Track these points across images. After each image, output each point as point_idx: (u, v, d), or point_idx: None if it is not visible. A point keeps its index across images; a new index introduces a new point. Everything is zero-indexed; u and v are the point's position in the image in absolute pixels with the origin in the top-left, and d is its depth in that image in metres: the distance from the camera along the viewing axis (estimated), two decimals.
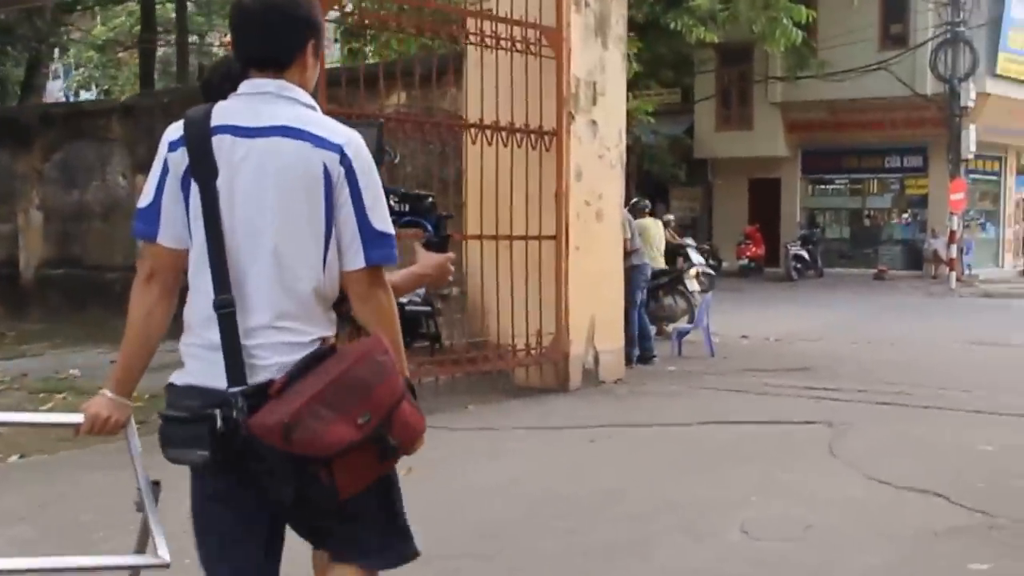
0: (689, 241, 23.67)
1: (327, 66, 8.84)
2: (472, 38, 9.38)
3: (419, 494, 2.72)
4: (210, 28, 34.45)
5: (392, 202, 3.52)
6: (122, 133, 14.84)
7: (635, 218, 12.70)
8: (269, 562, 2.57)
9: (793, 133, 28.24)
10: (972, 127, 24.07)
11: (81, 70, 38.91)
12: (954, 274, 23.50)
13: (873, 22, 26.47)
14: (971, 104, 24.13)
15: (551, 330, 9.41)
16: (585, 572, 4.68)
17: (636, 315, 11.12)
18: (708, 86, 29.07)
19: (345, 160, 2.41)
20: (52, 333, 13.42)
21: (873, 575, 4.62)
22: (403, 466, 2.62)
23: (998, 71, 25.66)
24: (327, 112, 2.64)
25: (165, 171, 2.44)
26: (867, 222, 29.28)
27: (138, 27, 28.48)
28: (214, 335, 2.39)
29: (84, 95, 37.55)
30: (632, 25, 18.36)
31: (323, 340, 2.46)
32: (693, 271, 13.94)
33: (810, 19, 19.35)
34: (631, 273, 10.95)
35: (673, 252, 23.03)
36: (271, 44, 2.46)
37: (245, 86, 2.48)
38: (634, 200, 14.00)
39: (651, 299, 12.85)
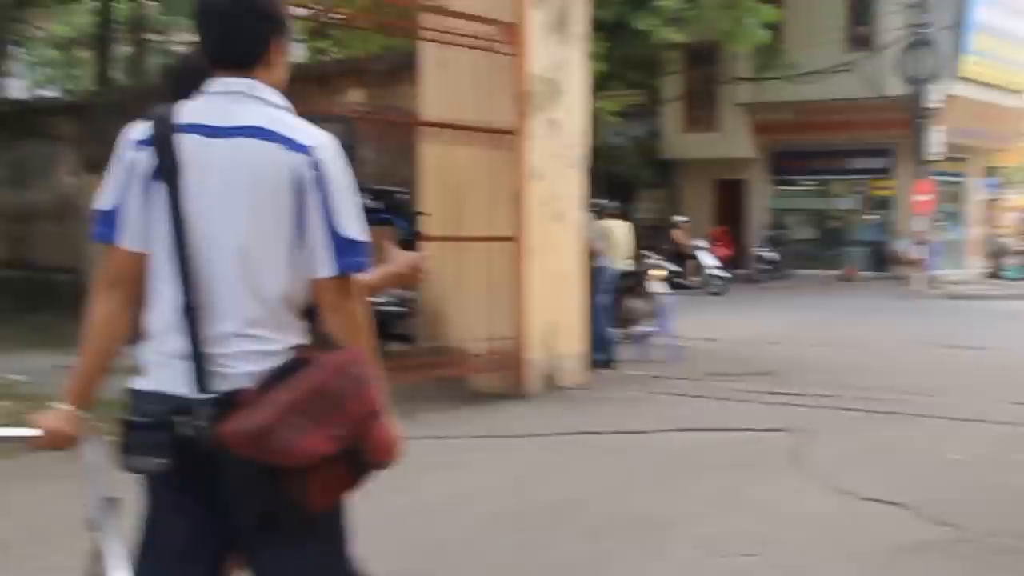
0: (700, 243, 23.54)
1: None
2: (428, 34, 9.13)
3: (363, 509, 2.54)
4: (172, 25, 33.98)
5: (367, 199, 3.35)
6: (73, 132, 14.46)
7: (601, 219, 12.49)
8: None
9: (759, 134, 28.14)
10: (937, 129, 24.05)
11: (43, 69, 38.28)
12: (920, 276, 23.46)
13: (839, 24, 26.44)
14: (936, 106, 24.12)
15: (509, 334, 9.16)
16: None
17: (598, 318, 10.88)
18: (675, 87, 28.92)
19: (316, 163, 2.32)
20: None
21: None
22: None
23: (962, 73, 25.68)
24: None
25: (128, 171, 2.34)
26: (833, 224, 29.23)
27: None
28: (177, 342, 2.29)
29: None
30: (599, 25, 18.24)
31: (295, 348, 2.34)
32: (658, 272, 13.65)
33: (776, 18, 19.25)
34: (593, 275, 10.71)
35: (685, 255, 22.99)
36: (237, 41, 2.38)
37: (213, 84, 2.39)
38: (599, 201, 13.75)
39: (616, 302, 12.61)
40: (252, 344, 2.30)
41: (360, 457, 2.30)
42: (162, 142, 2.31)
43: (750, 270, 26.39)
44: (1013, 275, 26.81)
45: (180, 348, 2.29)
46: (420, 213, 8.79)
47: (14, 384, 9.48)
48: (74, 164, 14.50)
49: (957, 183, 29.04)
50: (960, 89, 25.52)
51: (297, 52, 20.80)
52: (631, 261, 13.28)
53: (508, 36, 9.25)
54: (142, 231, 2.34)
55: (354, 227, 2.36)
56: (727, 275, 22.19)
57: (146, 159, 2.31)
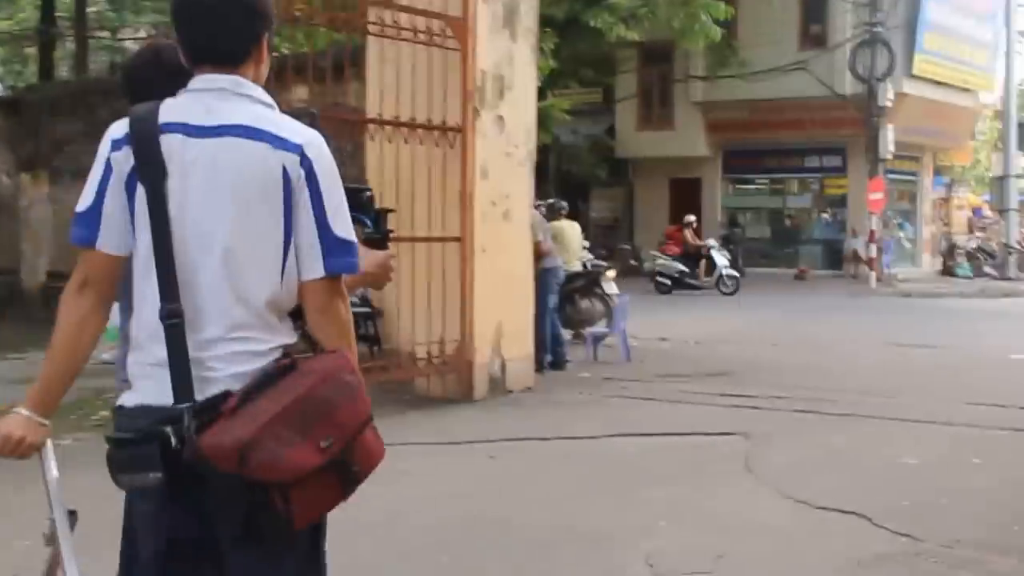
0: (711, 242, 23.31)
1: None
2: (373, 28, 8.83)
3: None
4: (122, 23, 33.45)
5: None
6: (5, 129, 13.97)
7: (552, 219, 12.26)
8: None
9: (714, 133, 28.09)
10: (890, 127, 24.11)
11: None
12: (873, 274, 23.50)
13: (793, 22, 26.46)
14: (889, 104, 24.18)
15: (455, 337, 8.89)
16: None
17: (548, 319, 10.64)
18: (629, 86, 28.83)
19: (305, 162, 2.26)
20: None
21: None
22: None
23: (915, 72, 25.77)
24: None
25: (108, 171, 2.25)
26: (787, 222, 29.25)
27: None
28: (161, 350, 2.22)
29: None
30: (551, 22, 18.04)
31: (283, 348, 2.28)
32: (611, 272, 13.44)
33: (729, 15, 19.16)
34: (542, 276, 10.45)
35: (695, 254, 22.78)
36: (226, 39, 2.31)
37: (196, 82, 2.31)
38: (551, 201, 13.52)
39: (568, 302, 12.39)
40: (239, 345, 2.24)
41: (348, 469, 2.21)
42: (143, 141, 2.23)
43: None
44: (965, 273, 26.94)
45: (165, 355, 2.21)
46: (387, 211, 8.45)
47: None
48: (6, 162, 14.00)
49: (910, 181, 29.18)
50: (912, 87, 25.63)
51: None
52: (580, 261, 13.08)
53: (455, 31, 8.98)
54: (121, 234, 2.26)
55: (345, 227, 2.31)
56: (737, 275, 21.96)
57: (126, 159, 2.23)
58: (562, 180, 27.56)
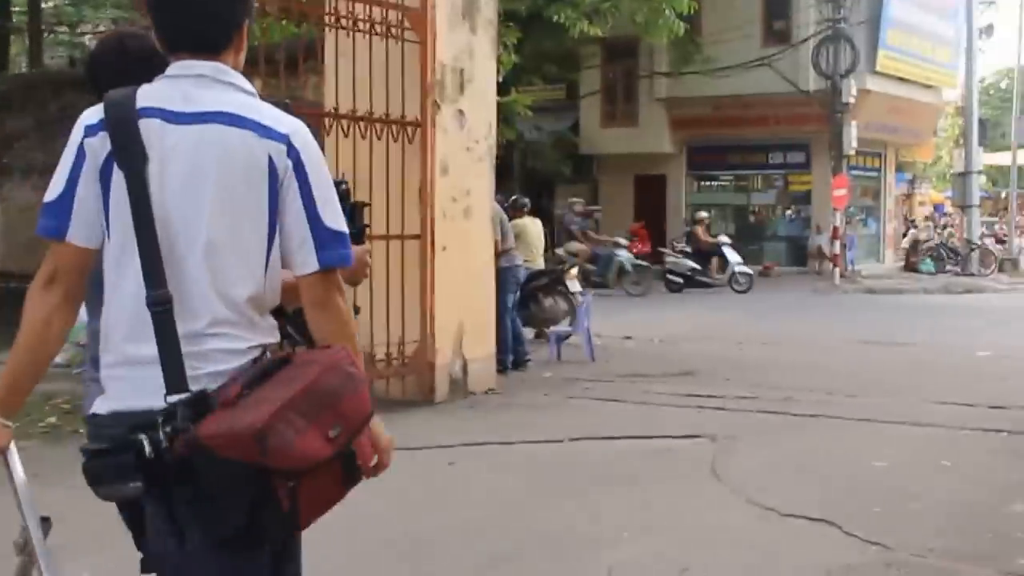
0: (724, 239, 23.06)
1: None
2: (330, 20, 8.58)
3: None
4: (80, 18, 32.96)
5: None
6: None
7: (515, 216, 12.05)
8: None
9: (678, 129, 27.98)
10: (853, 123, 24.09)
11: None
12: (838, 270, 23.49)
13: (756, 18, 26.38)
14: (852, 101, 24.15)
15: (415, 337, 8.66)
16: None
17: (508, 319, 10.42)
18: (593, 82, 28.65)
19: (293, 152, 2.19)
20: None
21: None
22: None
23: (878, 68, 25.79)
24: None
25: (80, 159, 2.16)
26: (752, 219, 29.19)
27: None
28: (136, 348, 2.13)
29: None
30: (514, 17, 17.83)
31: (263, 348, 2.21)
32: (574, 270, 13.25)
33: (692, 10, 19.05)
34: (502, 274, 10.23)
35: (707, 252, 22.53)
36: (209, 26, 2.23)
37: (174, 68, 2.23)
38: (513, 197, 13.32)
39: (531, 301, 12.19)
40: (218, 342, 2.15)
41: (353, 462, 2.17)
42: (120, 124, 2.14)
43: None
44: (928, 269, 27.02)
45: (144, 352, 2.12)
46: (363, 204, 8.19)
47: None
48: None
49: (873, 178, 29.24)
50: (875, 84, 25.65)
51: None
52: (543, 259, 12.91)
53: (413, 22, 8.75)
54: (93, 224, 2.17)
55: (336, 218, 2.23)
56: (751, 273, 21.76)
57: (101, 145, 2.14)
58: (526, 177, 27.37)
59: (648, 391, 9.20)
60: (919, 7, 27.44)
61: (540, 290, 12.40)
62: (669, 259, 22.08)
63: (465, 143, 9.15)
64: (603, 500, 5.74)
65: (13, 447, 2.30)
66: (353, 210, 2.70)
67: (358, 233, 2.73)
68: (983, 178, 29.76)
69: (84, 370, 2.54)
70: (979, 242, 27.87)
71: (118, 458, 2.05)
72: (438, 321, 8.76)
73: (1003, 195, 39.07)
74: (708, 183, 29.74)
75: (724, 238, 23.15)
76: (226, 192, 2.16)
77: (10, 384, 2.24)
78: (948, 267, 27.07)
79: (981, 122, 28.89)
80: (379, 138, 8.56)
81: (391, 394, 8.65)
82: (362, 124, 8.45)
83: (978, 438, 7.30)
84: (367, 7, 8.53)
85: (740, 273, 21.56)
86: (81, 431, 6.84)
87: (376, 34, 8.57)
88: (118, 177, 2.14)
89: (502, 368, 9.96)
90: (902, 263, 28.89)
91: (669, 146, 28.16)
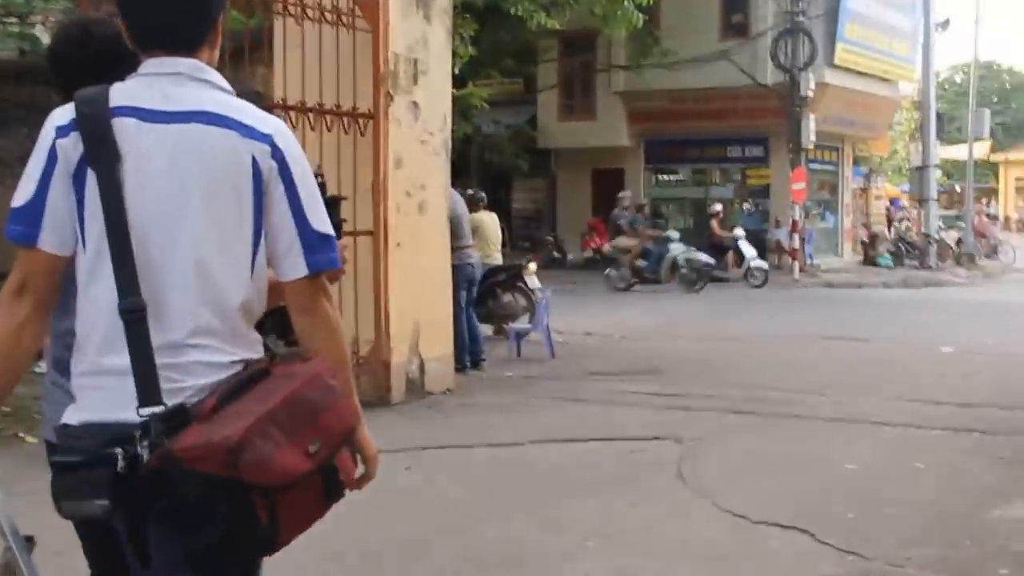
0: (739, 232, 22.65)
1: None
2: (278, 6, 8.25)
3: None
4: (30, 10, 32.22)
5: None
6: None
7: (471, 211, 11.75)
8: None
9: (636, 123, 27.80)
10: (811, 117, 24.05)
11: None
12: (797, 264, 23.44)
13: (714, 11, 26.26)
14: (810, 94, 24.11)
15: (370, 337, 8.35)
16: None
17: (463, 317, 10.10)
18: (550, 75, 28.41)
19: (277, 153, 2.11)
20: None
21: None
22: None
23: (836, 61, 25.74)
24: None
25: (52, 161, 2.05)
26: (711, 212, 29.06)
27: None
28: (110, 359, 2.03)
29: None
30: (470, 8, 17.54)
31: (246, 364, 2.10)
32: (532, 266, 12.98)
33: (651, 2, 18.87)
34: (453, 273, 9.89)
35: (720, 246, 22.15)
36: (183, 21, 2.13)
37: (148, 65, 2.13)
38: (470, 191, 13.00)
39: (489, 297, 11.91)
40: (200, 354, 2.06)
41: (335, 477, 2.10)
42: (92, 123, 2.04)
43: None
44: (886, 263, 27.06)
45: (118, 362, 2.02)
46: (339, 198, 7.86)
47: None
48: None
49: (831, 172, 29.23)
50: (833, 77, 25.61)
51: None
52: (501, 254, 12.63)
53: (365, 11, 8.44)
54: (66, 230, 2.07)
55: (322, 220, 2.16)
56: (765, 268, 21.40)
57: (74, 145, 2.04)
58: (483, 171, 27.09)
59: (610, 390, 8.97)
60: (877, 0, 27.45)
61: (498, 286, 12.12)
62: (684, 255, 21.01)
63: (419, 136, 8.85)
64: (564, 508, 5.48)
65: None
66: (329, 205, 2.50)
67: (336, 228, 2.55)
68: (939, 172, 29.83)
69: (46, 373, 2.39)
70: (937, 236, 27.96)
71: (91, 472, 1.97)
72: (393, 319, 8.47)
73: (958, 188, 39.30)
74: (666, 177, 29.58)
75: (739, 232, 22.79)
76: (211, 193, 2.07)
77: None
78: (906, 261, 27.13)
79: (938, 116, 28.99)
80: (330, 130, 8.25)
81: None
82: (312, 116, 8.13)
83: (950, 439, 7.11)
84: None
85: (755, 268, 21.32)
86: (24, 436, 6.47)
87: (326, 22, 8.28)
88: (92, 179, 2.05)
89: (461, 367, 9.67)
90: (860, 257, 28.91)
91: (627, 140, 27.98)
